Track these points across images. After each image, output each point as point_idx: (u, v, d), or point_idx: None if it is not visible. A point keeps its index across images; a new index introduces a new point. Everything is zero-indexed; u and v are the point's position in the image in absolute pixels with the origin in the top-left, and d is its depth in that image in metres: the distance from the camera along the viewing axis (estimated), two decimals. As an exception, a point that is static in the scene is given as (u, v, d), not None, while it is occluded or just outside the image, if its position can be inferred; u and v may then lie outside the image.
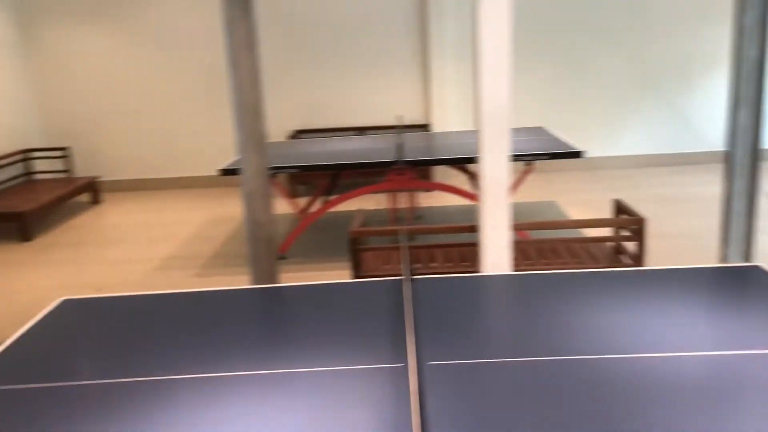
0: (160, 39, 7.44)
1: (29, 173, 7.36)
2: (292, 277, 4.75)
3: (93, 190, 7.25)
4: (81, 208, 7.15)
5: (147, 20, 7.40)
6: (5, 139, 7.08)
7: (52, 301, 4.60)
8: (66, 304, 2.26)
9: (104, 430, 1.51)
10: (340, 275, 4.73)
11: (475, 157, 4.97)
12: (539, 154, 4.88)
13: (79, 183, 6.91)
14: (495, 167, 2.82)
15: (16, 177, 7.12)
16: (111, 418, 1.55)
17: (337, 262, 5.03)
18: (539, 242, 3.57)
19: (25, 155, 7.33)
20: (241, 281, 4.72)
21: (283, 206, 6.81)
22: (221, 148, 7.74)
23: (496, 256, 2.93)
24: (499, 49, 2.72)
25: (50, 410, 1.60)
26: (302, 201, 7.04)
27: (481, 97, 2.77)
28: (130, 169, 7.79)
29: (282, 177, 7.76)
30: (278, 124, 7.68)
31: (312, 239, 5.64)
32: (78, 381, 1.73)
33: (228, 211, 6.71)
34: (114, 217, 6.73)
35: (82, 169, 7.79)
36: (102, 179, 7.81)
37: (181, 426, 1.51)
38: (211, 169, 7.79)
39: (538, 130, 5.98)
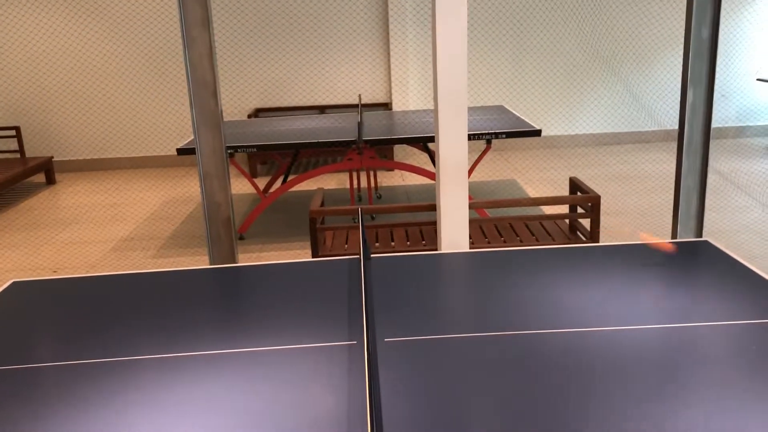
0: (113, 15, 7.26)
1: (-21, 153, 7.15)
2: (251, 257, 4.73)
3: (47, 171, 7.09)
4: (35, 188, 6.98)
5: (100, -5, 7.21)
6: (-47, 118, 6.86)
7: (3, 283, 4.50)
8: (15, 286, 2.22)
9: (60, 411, 1.49)
10: (299, 255, 4.72)
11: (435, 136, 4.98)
12: (498, 133, 4.91)
13: (31, 163, 6.74)
14: (452, 146, 2.83)
15: (-35, 157, 6.92)
16: (66, 400, 1.53)
17: (297, 241, 5.02)
18: (497, 220, 3.61)
19: (-25, 135, 7.12)
20: (200, 262, 4.68)
21: (242, 186, 6.75)
22: (179, 127, 7.62)
23: (454, 235, 2.95)
24: (456, 27, 2.72)
25: (1, 394, 1.58)
26: (262, 180, 6.98)
27: (438, 75, 2.77)
28: (85, 148, 7.63)
29: (241, 156, 7.68)
30: (238, 103, 7.58)
31: (272, 219, 5.61)
32: (29, 364, 1.70)
33: (186, 191, 6.63)
34: (69, 198, 6.59)
35: (34, 150, 7.60)
36: (55, 159, 7.63)
37: (140, 407, 1.50)
38: (169, 149, 7.67)
39: (498, 109, 6.01)
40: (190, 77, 2.75)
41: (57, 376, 1.64)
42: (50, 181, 7.13)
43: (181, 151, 4.91)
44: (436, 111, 2.84)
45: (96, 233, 5.43)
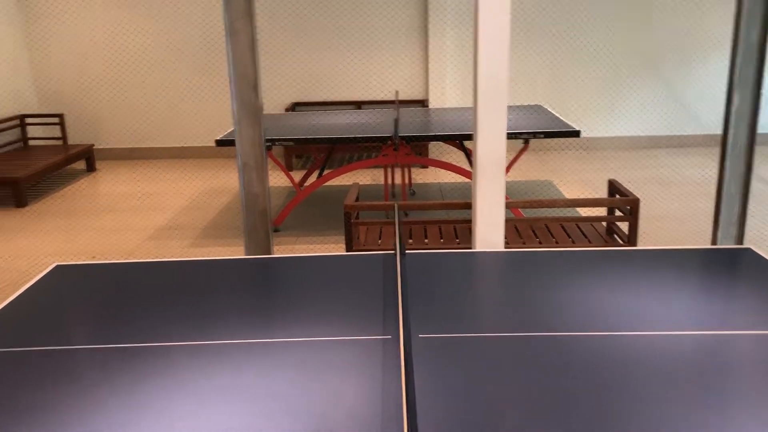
0: (158, 6, 7.36)
1: (24, 139, 7.31)
2: (285, 250, 4.76)
3: (88, 158, 7.22)
4: (76, 175, 7.12)
5: (144, -13, 7.32)
6: (1, 104, 7.03)
7: (46, 267, 4.60)
8: (59, 269, 2.27)
9: (95, 392, 1.52)
10: (333, 249, 4.74)
11: (471, 134, 4.96)
12: (536, 132, 4.87)
13: (73, 150, 6.88)
14: (490, 144, 2.81)
15: (11, 143, 7.08)
16: (101, 382, 1.57)
17: (332, 235, 5.04)
18: (533, 221, 3.58)
19: (21, 121, 7.28)
20: (235, 252, 4.73)
21: (278, 179, 6.80)
22: (218, 118, 7.70)
23: (490, 234, 2.94)
24: (498, 25, 2.70)
25: (41, 373, 1.61)
26: (297, 174, 7.02)
27: (478, 72, 2.75)
28: (125, 137, 7.76)
29: (278, 149, 7.74)
30: (276, 97, 7.63)
31: (307, 212, 5.64)
32: (69, 345, 1.74)
33: (224, 182, 6.70)
34: (108, 185, 6.71)
35: (77, 137, 7.75)
36: (97, 147, 7.78)
37: (173, 392, 1.52)
38: (208, 140, 7.76)
39: (537, 108, 5.96)
40: (233, 69, 2.77)
41: (94, 358, 1.67)
42: (90, 168, 7.27)
43: (219, 143, 4.97)
44: (475, 108, 2.82)
45: (133, 221, 5.53)
